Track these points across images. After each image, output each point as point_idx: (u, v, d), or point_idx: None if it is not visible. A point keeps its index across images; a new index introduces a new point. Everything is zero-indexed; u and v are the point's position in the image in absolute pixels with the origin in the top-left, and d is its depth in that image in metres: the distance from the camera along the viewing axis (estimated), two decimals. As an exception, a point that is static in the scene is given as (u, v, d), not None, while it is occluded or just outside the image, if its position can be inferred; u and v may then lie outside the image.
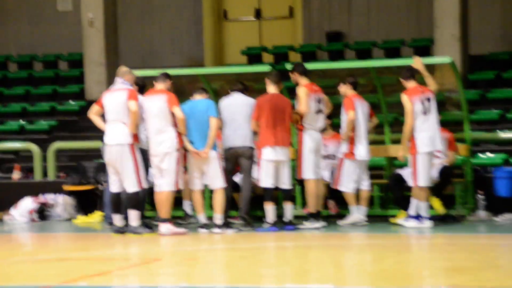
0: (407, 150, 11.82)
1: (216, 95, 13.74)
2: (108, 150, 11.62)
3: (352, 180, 12.20)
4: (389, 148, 13.20)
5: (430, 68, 12.46)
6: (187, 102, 12.05)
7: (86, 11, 18.56)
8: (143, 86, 12.35)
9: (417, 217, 11.83)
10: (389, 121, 13.63)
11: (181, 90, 13.31)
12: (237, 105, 12.17)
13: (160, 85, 11.86)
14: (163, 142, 11.63)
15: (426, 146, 11.72)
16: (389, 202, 13.21)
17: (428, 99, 11.84)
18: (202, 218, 11.91)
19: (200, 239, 11.34)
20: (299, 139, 12.08)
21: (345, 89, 12.35)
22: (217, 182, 11.82)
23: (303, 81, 12.13)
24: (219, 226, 11.77)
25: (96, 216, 13.84)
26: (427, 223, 11.76)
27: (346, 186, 12.21)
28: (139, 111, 11.61)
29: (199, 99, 12.04)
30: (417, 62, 12.09)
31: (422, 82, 12.06)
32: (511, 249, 10.05)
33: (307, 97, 11.95)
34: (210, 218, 12.33)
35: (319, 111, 12.12)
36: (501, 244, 10.54)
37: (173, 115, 11.65)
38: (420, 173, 11.71)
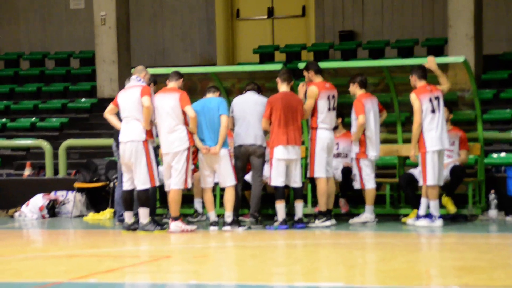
0: (417, 149, 11.82)
1: (228, 93, 13.71)
2: (122, 147, 11.64)
3: (372, 178, 12.18)
4: (401, 147, 13.15)
5: (444, 67, 12.41)
6: (199, 101, 12.04)
7: (98, 9, 18.56)
8: (155, 82, 12.37)
9: (428, 216, 11.79)
10: (401, 120, 13.57)
11: (193, 89, 13.29)
12: (249, 103, 12.15)
13: (172, 84, 11.86)
14: (174, 141, 11.62)
15: (434, 145, 11.72)
16: (401, 201, 13.16)
17: (437, 98, 11.83)
18: (212, 215, 11.89)
19: (210, 236, 11.32)
20: (312, 137, 12.04)
21: (354, 89, 12.32)
22: (228, 180, 11.80)
23: (316, 79, 12.11)
24: (229, 224, 11.74)
25: (107, 213, 13.83)
26: (438, 222, 11.71)
27: (371, 183, 12.17)
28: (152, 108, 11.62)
29: (211, 97, 12.02)
30: (431, 62, 12.08)
31: (435, 81, 12.04)
32: (523, 249, 9.99)
33: (313, 100, 11.93)
34: (220, 215, 12.32)
35: (331, 109, 12.08)
36: (513, 244, 10.48)
37: (184, 114, 11.65)
38: (429, 172, 11.69)
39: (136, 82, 11.79)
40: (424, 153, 11.76)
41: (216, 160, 11.78)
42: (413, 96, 11.86)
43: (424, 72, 11.97)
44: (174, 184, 11.61)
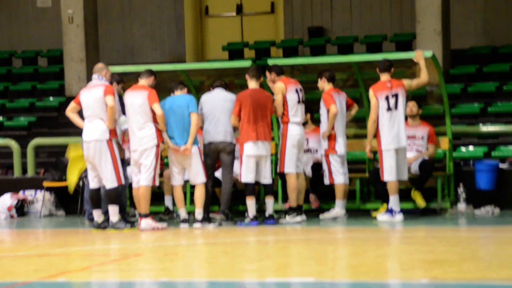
0: (373, 145, 11.87)
1: (197, 91, 13.68)
2: (86, 146, 11.58)
3: (342, 173, 12.22)
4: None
5: (412, 62, 12.45)
6: (168, 98, 12.00)
7: (66, 7, 18.45)
8: (119, 81, 12.33)
9: (391, 211, 11.85)
10: (370, 115, 13.60)
11: (162, 86, 13.26)
12: (218, 100, 12.13)
13: (142, 81, 11.84)
14: (143, 138, 11.59)
15: (390, 143, 11.77)
16: (370, 196, 13.21)
17: (395, 95, 11.85)
18: (183, 213, 11.87)
19: (181, 234, 11.29)
20: (283, 132, 12.05)
21: (322, 84, 12.35)
22: (198, 177, 11.78)
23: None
24: (200, 221, 11.73)
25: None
26: (398, 217, 11.76)
27: (339, 178, 12.20)
28: (117, 106, 11.58)
29: (179, 95, 12.00)
30: (419, 56, 12.13)
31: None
32: (491, 241, 10.07)
33: (281, 95, 11.96)
34: (191, 213, 12.30)
35: (301, 101, 12.11)
36: (481, 236, 10.56)
37: (153, 111, 11.62)
38: (386, 169, 11.76)
39: (99, 81, 11.72)
40: (380, 150, 11.84)
41: (186, 158, 11.76)
42: (370, 93, 11.95)
43: (385, 65, 11.97)
44: (143, 180, 11.58)
